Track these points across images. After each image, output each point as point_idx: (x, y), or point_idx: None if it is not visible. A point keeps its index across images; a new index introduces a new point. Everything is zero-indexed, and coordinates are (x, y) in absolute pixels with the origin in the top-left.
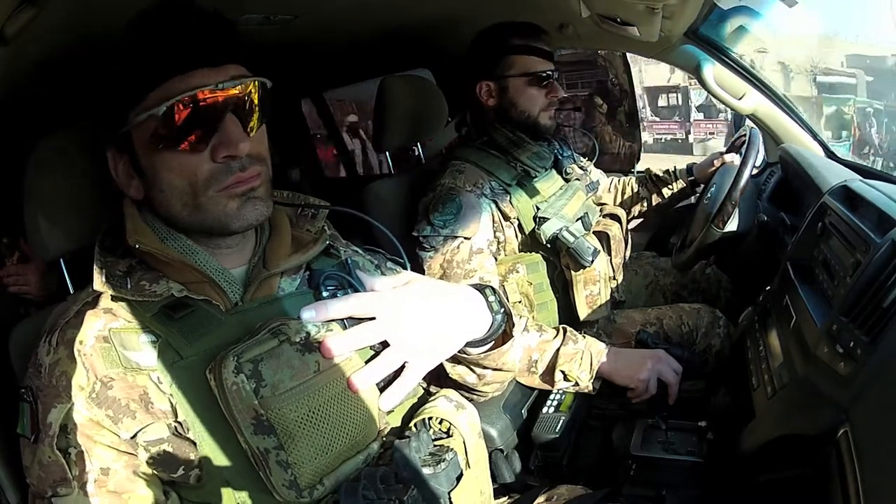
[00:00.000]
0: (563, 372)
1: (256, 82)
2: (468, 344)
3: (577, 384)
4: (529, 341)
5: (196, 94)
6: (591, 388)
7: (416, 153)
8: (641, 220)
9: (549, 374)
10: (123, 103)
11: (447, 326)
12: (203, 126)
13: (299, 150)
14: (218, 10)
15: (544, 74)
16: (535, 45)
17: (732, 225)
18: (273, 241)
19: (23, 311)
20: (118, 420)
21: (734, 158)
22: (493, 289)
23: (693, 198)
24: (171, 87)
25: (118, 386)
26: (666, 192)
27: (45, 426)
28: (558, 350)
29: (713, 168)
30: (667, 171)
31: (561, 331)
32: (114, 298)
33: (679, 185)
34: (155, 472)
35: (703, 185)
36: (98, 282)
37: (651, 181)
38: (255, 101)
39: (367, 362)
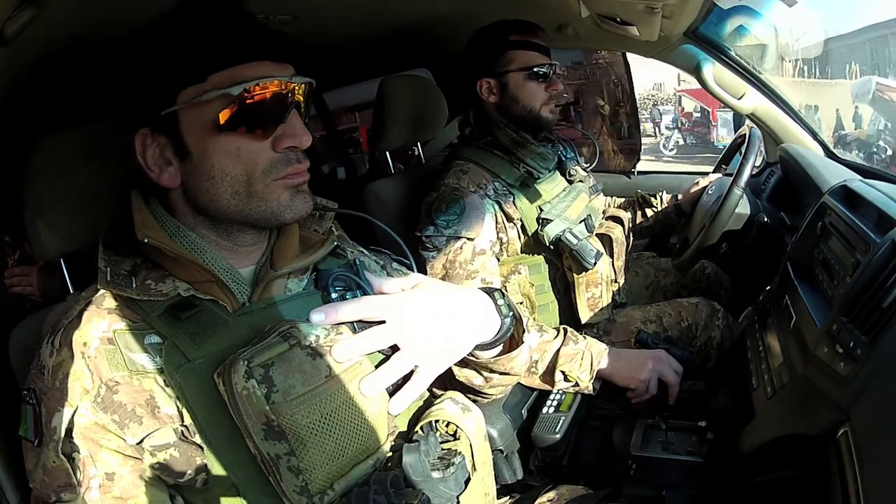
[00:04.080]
0: (563, 372)
1: (306, 83)
2: (477, 347)
3: (577, 385)
4: (530, 342)
5: (270, 81)
6: (591, 388)
7: (416, 153)
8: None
9: (549, 375)
10: (175, 83)
11: (456, 330)
12: (273, 114)
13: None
14: None
15: (543, 68)
16: (532, 41)
17: (744, 207)
18: (281, 241)
19: (27, 307)
20: (124, 425)
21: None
22: (501, 292)
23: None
24: (238, 72)
25: (124, 390)
26: (649, 212)
27: (48, 430)
28: (558, 350)
29: (698, 188)
30: (653, 195)
31: (561, 331)
32: (117, 298)
33: (662, 206)
34: (160, 476)
35: (687, 209)
36: (102, 281)
37: (637, 201)
38: (310, 98)
39: (377, 365)
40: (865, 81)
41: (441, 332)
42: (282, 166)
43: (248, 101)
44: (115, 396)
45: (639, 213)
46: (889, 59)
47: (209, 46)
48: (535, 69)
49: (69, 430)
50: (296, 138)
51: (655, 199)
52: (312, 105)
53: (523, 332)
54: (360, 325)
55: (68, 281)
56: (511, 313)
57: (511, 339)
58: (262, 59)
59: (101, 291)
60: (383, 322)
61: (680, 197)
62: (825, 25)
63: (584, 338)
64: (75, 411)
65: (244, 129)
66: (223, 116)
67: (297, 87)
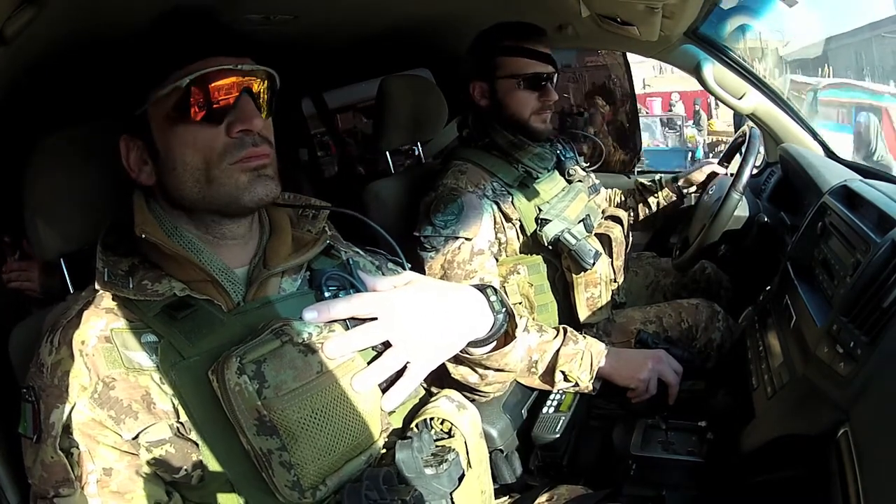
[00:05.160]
0: (563, 373)
1: (267, 74)
2: (470, 344)
3: (577, 384)
4: (530, 342)
5: (218, 70)
6: (591, 388)
7: (416, 153)
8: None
9: (549, 375)
10: (144, 84)
11: (449, 326)
12: (221, 101)
13: (299, 149)
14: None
15: (535, 77)
16: (527, 47)
17: (743, 209)
18: (274, 240)
19: (26, 303)
20: (120, 421)
21: (722, 170)
22: (494, 289)
23: (692, 197)
24: (193, 67)
25: (120, 386)
26: (652, 201)
27: (47, 426)
28: (558, 350)
29: (703, 173)
30: (652, 181)
31: (561, 331)
32: (115, 298)
33: (665, 193)
34: (157, 472)
35: (690, 189)
36: (100, 281)
37: (638, 191)
38: (266, 92)
39: (369, 363)
40: (781, 82)
41: (433, 328)
42: (237, 150)
43: (197, 91)
44: (111, 392)
45: (640, 203)
46: (872, 61)
47: (166, 49)
48: (524, 77)
49: (67, 427)
50: (247, 122)
51: (655, 186)
52: (313, 105)
53: (516, 327)
54: (353, 323)
55: (68, 281)
56: (504, 309)
57: (505, 335)
58: (217, 55)
59: (100, 291)
60: (375, 319)
61: (681, 182)
62: (810, 28)
63: (584, 337)
64: (73, 408)
65: (196, 118)
66: (176, 107)
67: (251, 76)
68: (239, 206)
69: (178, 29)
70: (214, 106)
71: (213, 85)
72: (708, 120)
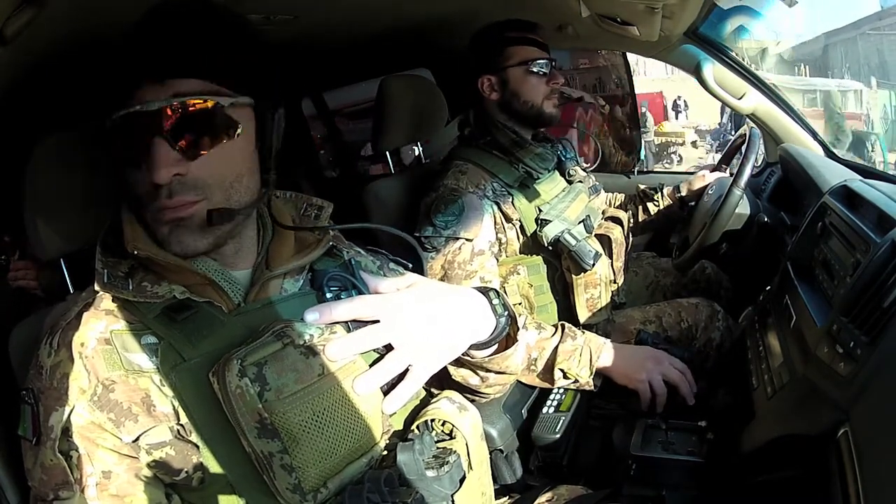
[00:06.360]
0: (562, 370)
1: (209, 101)
2: (472, 347)
3: (577, 381)
4: (528, 339)
5: (134, 112)
6: (591, 384)
7: (416, 153)
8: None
9: (548, 373)
10: (102, 110)
11: (451, 329)
12: (134, 146)
13: (299, 149)
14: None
15: (544, 62)
16: (530, 37)
17: (744, 207)
18: (276, 241)
19: (27, 301)
20: (120, 423)
21: (722, 175)
22: (496, 291)
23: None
24: (124, 98)
25: (120, 389)
26: (651, 207)
27: (46, 429)
28: (557, 347)
29: (703, 182)
30: (653, 188)
31: (559, 328)
32: (115, 299)
33: (665, 201)
34: (157, 474)
35: (692, 202)
36: (99, 282)
37: (638, 196)
38: (208, 120)
39: (371, 364)
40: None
41: (436, 330)
42: (153, 201)
43: (118, 134)
44: (111, 395)
45: (640, 208)
46: (858, 59)
47: (106, 79)
48: (534, 63)
49: (66, 429)
50: (153, 172)
51: (657, 193)
52: (313, 105)
53: (518, 330)
54: (355, 325)
55: (68, 280)
56: (506, 312)
57: (507, 338)
58: (141, 85)
59: (100, 293)
60: (377, 321)
61: (683, 190)
62: (796, 26)
63: (583, 333)
64: (72, 410)
65: (120, 160)
66: (111, 144)
67: (190, 107)
68: (174, 253)
69: (128, 49)
70: (130, 151)
71: (124, 127)
72: (659, 122)
